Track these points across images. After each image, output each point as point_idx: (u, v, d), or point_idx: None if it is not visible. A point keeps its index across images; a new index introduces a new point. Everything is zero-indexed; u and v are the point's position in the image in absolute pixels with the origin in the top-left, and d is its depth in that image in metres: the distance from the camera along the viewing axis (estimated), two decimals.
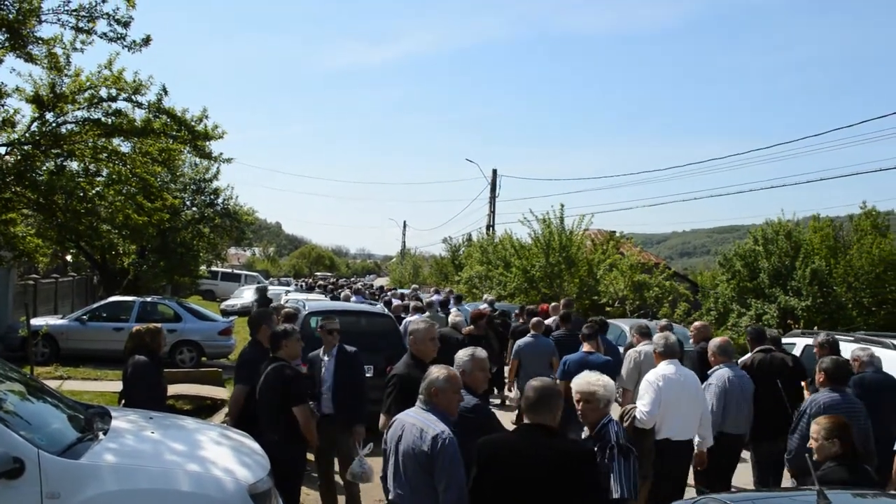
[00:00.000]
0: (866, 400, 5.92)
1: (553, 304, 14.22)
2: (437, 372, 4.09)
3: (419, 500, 3.85)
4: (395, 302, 17.66)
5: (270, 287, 30.86)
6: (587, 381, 4.32)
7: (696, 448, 6.23)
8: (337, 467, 6.75)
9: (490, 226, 33.76)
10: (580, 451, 3.74)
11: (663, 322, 10.24)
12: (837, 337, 9.25)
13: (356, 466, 5.79)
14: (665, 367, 6.17)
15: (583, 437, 4.48)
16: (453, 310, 12.97)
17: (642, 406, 5.99)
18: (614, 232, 25.17)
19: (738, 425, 6.68)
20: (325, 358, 6.57)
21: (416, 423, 3.95)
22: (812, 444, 4.56)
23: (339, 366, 6.50)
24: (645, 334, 8.03)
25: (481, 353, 4.71)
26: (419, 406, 4.07)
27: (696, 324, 9.41)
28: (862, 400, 5.90)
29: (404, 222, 69.83)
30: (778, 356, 7.50)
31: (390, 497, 4.04)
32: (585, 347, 7.88)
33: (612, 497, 4.01)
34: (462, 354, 4.68)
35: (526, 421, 3.83)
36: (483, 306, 14.15)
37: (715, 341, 7.10)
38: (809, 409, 5.66)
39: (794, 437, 5.80)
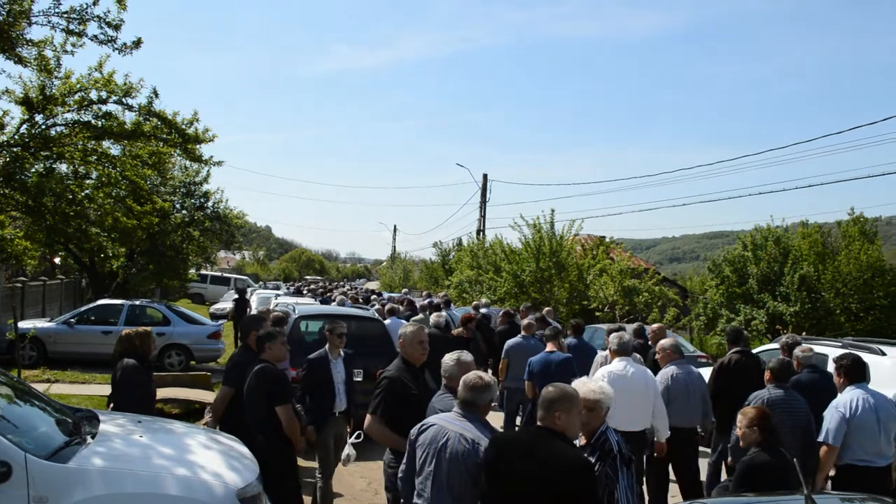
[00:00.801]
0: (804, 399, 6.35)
1: (546, 308, 14.43)
2: (472, 378, 4.11)
3: None
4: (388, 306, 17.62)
5: (260, 291, 30.75)
6: (590, 389, 4.24)
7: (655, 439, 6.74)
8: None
9: (480, 230, 33.77)
10: (578, 459, 3.64)
11: (635, 326, 10.62)
12: (825, 343, 9.41)
13: (351, 452, 5.96)
14: (615, 364, 6.70)
15: (577, 444, 4.43)
16: (437, 312, 13.02)
17: None
18: (604, 237, 25.22)
19: (687, 419, 7.05)
20: (334, 360, 6.79)
21: (464, 434, 3.94)
22: (738, 431, 5.03)
23: (346, 366, 6.88)
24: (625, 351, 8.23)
25: (467, 356, 4.77)
26: (459, 412, 4.07)
27: (654, 326, 9.82)
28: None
29: (394, 226, 70.03)
30: (754, 357, 7.95)
31: (421, 501, 4.02)
32: (548, 347, 8.48)
33: None
34: (448, 360, 4.75)
35: (538, 423, 3.79)
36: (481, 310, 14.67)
37: (663, 342, 7.56)
38: (754, 404, 6.04)
39: (735, 430, 6.07)
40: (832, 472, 5.92)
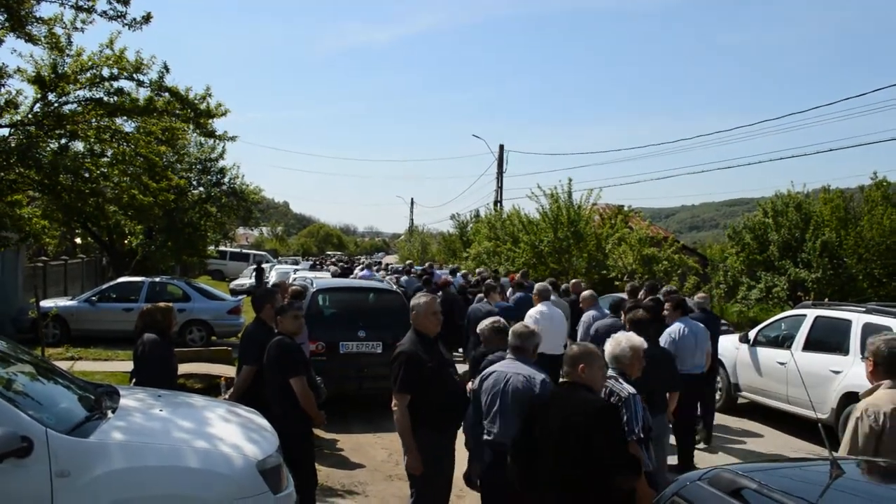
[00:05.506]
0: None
1: (520, 272, 16.58)
2: (518, 328, 4.92)
3: None
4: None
5: (279, 266, 30.92)
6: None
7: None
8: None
9: (498, 201, 33.65)
10: (600, 402, 4.06)
11: (575, 280, 12.88)
12: (849, 308, 9.31)
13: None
14: (541, 307, 9.37)
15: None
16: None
17: None
18: (622, 206, 24.96)
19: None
20: None
21: (520, 372, 4.62)
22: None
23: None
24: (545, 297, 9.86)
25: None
26: (511, 357, 4.82)
27: (573, 281, 12.20)
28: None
29: (412, 199, 69.55)
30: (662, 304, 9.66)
31: (492, 438, 4.60)
32: (489, 298, 10.54)
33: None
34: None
35: (564, 378, 4.21)
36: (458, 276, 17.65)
37: (584, 293, 10.03)
38: (591, 328, 8.75)
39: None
40: None
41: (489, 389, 4.69)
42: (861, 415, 3.85)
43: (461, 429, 5.02)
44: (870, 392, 3.99)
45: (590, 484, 3.79)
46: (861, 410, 3.87)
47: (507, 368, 4.71)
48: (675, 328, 8.09)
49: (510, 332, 4.98)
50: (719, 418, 10.37)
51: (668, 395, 6.57)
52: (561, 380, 4.25)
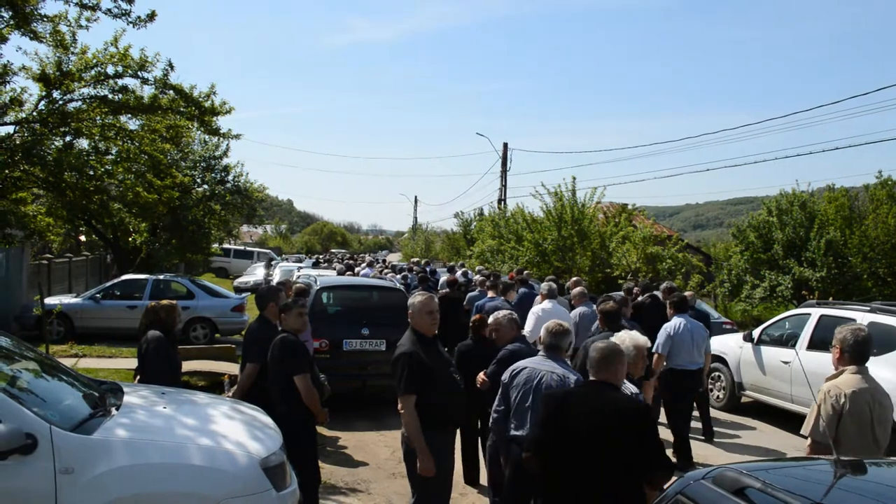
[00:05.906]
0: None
1: (516, 270, 16.33)
2: (553, 326, 4.91)
3: None
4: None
5: (283, 264, 30.93)
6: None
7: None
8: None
9: (502, 200, 33.60)
10: (634, 403, 4.01)
11: (575, 278, 12.59)
12: (853, 307, 9.29)
13: None
14: (545, 304, 9.55)
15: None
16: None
17: (526, 329, 8.74)
18: (627, 204, 24.93)
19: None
20: None
21: (554, 371, 4.66)
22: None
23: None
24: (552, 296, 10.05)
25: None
26: (544, 355, 4.85)
27: (573, 279, 12.28)
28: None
29: (415, 197, 69.53)
30: (661, 301, 9.99)
31: (520, 434, 4.61)
32: (489, 294, 11.06)
33: None
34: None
35: (591, 378, 4.07)
36: (458, 274, 17.52)
37: (574, 290, 10.05)
38: (592, 325, 8.26)
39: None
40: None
41: (520, 385, 4.69)
42: (825, 396, 4.19)
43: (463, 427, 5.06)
44: (834, 376, 4.33)
45: (617, 483, 3.76)
46: (825, 392, 4.22)
47: (541, 366, 4.72)
48: (672, 323, 8.40)
49: (543, 329, 4.99)
50: (723, 416, 10.37)
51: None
52: (591, 378, 4.11)
